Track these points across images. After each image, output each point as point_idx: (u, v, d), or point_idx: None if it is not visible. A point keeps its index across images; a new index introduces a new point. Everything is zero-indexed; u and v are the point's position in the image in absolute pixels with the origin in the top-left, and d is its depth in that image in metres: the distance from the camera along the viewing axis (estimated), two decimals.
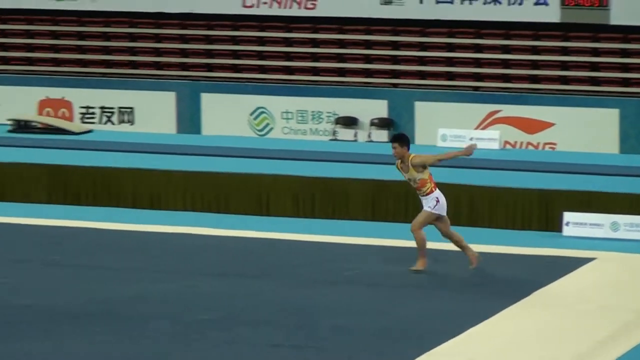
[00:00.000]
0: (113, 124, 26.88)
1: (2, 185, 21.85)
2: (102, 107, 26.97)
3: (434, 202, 15.77)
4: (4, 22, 28.97)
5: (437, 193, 15.82)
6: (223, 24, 28.25)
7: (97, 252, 17.17)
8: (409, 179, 15.89)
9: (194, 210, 21.03)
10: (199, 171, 21.87)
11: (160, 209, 21.09)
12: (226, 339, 13.30)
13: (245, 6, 27.83)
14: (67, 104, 27.00)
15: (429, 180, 15.79)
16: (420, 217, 15.85)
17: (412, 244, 16.16)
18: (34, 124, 25.61)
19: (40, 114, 26.70)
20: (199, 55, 28.20)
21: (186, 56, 28.29)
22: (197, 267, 16.38)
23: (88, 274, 15.93)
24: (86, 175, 21.92)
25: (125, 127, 26.72)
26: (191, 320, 13.94)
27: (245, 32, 28.12)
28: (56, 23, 29.23)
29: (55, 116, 26.70)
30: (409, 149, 15.87)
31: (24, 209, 19.77)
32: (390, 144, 16.04)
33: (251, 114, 26.22)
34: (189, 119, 26.57)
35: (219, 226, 18.90)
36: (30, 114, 26.36)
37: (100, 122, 26.85)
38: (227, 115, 26.19)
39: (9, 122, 25.79)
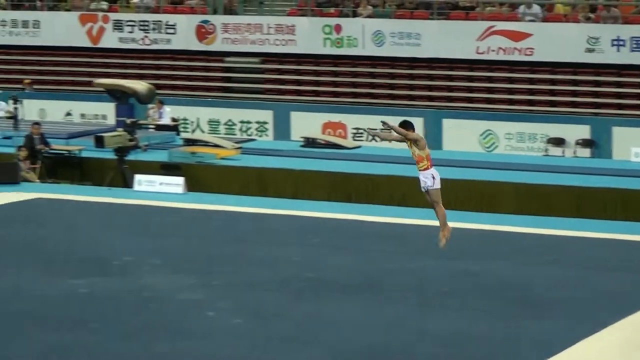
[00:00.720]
0: (376, 141, 26.86)
1: (295, 186, 22.13)
2: (368, 128, 27.01)
3: (432, 179, 13.58)
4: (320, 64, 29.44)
5: (433, 170, 13.66)
6: (460, 66, 28.02)
7: (361, 237, 17.16)
8: (412, 154, 13.91)
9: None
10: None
11: (408, 206, 20.91)
12: (460, 307, 13.07)
13: (478, 53, 27.51)
14: (343, 126, 27.19)
15: (425, 159, 13.63)
16: (435, 197, 13.74)
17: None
18: (318, 140, 25.83)
19: (323, 133, 26.95)
20: (441, 90, 28.09)
21: (432, 90, 28.21)
22: (438, 251, 16.14)
23: (353, 254, 15.90)
24: (356, 179, 22.00)
25: (385, 144, 26.62)
26: (433, 291, 13.77)
27: (477, 72, 27.81)
28: (336, 65, 29.54)
29: (334, 135, 26.90)
30: (413, 131, 13.73)
31: (308, 205, 19.87)
32: None
33: (481, 134, 25.84)
34: (433, 138, 26.28)
35: (451, 220, 18.49)
36: (316, 133, 26.63)
37: (366, 140, 26.91)
38: (462, 136, 25.88)
39: (301, 139, 26.12)
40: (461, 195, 20.99)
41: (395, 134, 13.91)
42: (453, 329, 12.25)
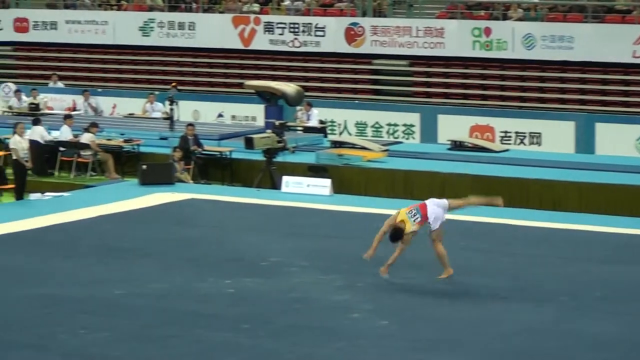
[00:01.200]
0: (525, 145, 26.48)
1: (442, 189, 21.92)
2: (516, 132, 26.63)
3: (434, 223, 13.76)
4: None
5: (430, 219, 13.72)
6: (615, 70, 27.36)
7: (511, 241, 16.88)
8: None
9: (586, 212, 20.27)
10: (591, 182, 21.15)
11: (560, 210, 20.51)
12: (614, 312, 12.75)
13: (634, 56, 26.86)
14: (491, 129, 26.85)
15: (417, 228, 13.69)
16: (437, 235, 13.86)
17: None
18: (466, 143, 25.59)
19: (470, 136, 26.68)
20: (595, 94, 27.46)
21: (584, 94, 27.61)
22: (587, 255, 15.80)
23: (502, 258, 15.64)
24: (504, 183, 21.67)
25: (534, 148, 26.25)
26: (585, 296, 13.45)
27: (634, 76, 27.11)
28: (485, 68, 29.25)
29: (482, 138, 26.60)
30: (399, 239, 13.69)
31: None
32: None
33: (637, 139, 25.12)
34: (585, 142, 25.74)
35: (605, 224, 18.09)
36: (463, 136, 26.39)
37: (514, 143, 26.52)
38: (616, 140, 25.19)
39: (448, 142, 25.94)
40: (613, 199, 20.46)
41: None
42: (606, 334, 11.93)
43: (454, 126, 26.92)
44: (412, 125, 27.74)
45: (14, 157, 21.63)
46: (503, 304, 13.17)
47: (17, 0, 35.90)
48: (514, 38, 28.62)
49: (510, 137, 26.62)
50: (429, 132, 27.37)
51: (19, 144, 21.68)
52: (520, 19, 29.52)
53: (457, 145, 25.44)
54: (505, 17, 29.79)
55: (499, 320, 12.48)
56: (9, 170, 22.30)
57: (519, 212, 19.27)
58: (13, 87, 31.37)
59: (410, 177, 22.52)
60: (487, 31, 28.97)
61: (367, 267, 14.85)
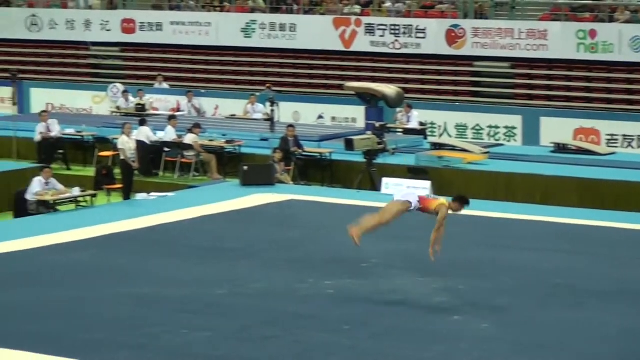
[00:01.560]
0: (633, 148, 25.97)
1: (545, 193, 21.66)
2: (624, 135, 26.13)
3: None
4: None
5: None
6: None
7: (615, 244, 16.60)
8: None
9: None
10: None
11: None
12: None
13: None
14: (596, 132, 26.40)
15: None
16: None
17: None
18: (569, 146, 25.22)
19: (574, 139, 26.28)
20: None
21: None
22: None
23: (605, 261, 15.36)
24: (610, 186, 21.33)
25: None
26: None
27: None
28: (590, 70, 28.87)
29: (586, 141, 26.17)
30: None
31: (557, 211, 19.42)
32: None
33: None
34: None
35: None
36: (567, 139, 26.00)
37: (622, 147, 26.03)
38: None
39: (551, 145, 25.57)
40: None
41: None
42: None
43: (557, 129, 26.55)
44: (513, 128, 27.45)
45: (122, 157, 22.07)
46: (606, 306, 12.95)
47: (125, 1, 36.57)
48: (621, 40, 28.13)
49: (617, 140, 26.14)
50: (532, 135, 27.05)
51: (127, 144, 22.10)
52: (627, 21, 29.00)
53: (561, 148, 25.07)
54: (611, 20, 29.29)
55: (602, 323, 12.29)
56: (116, 170, 22.75)
57: (623, 215, 18.94)
58: (121, 87, 31.98)
59: (512, 180, 22.30)
60: (593, 33, 28.52)
61: (468, 270, 14.77)
